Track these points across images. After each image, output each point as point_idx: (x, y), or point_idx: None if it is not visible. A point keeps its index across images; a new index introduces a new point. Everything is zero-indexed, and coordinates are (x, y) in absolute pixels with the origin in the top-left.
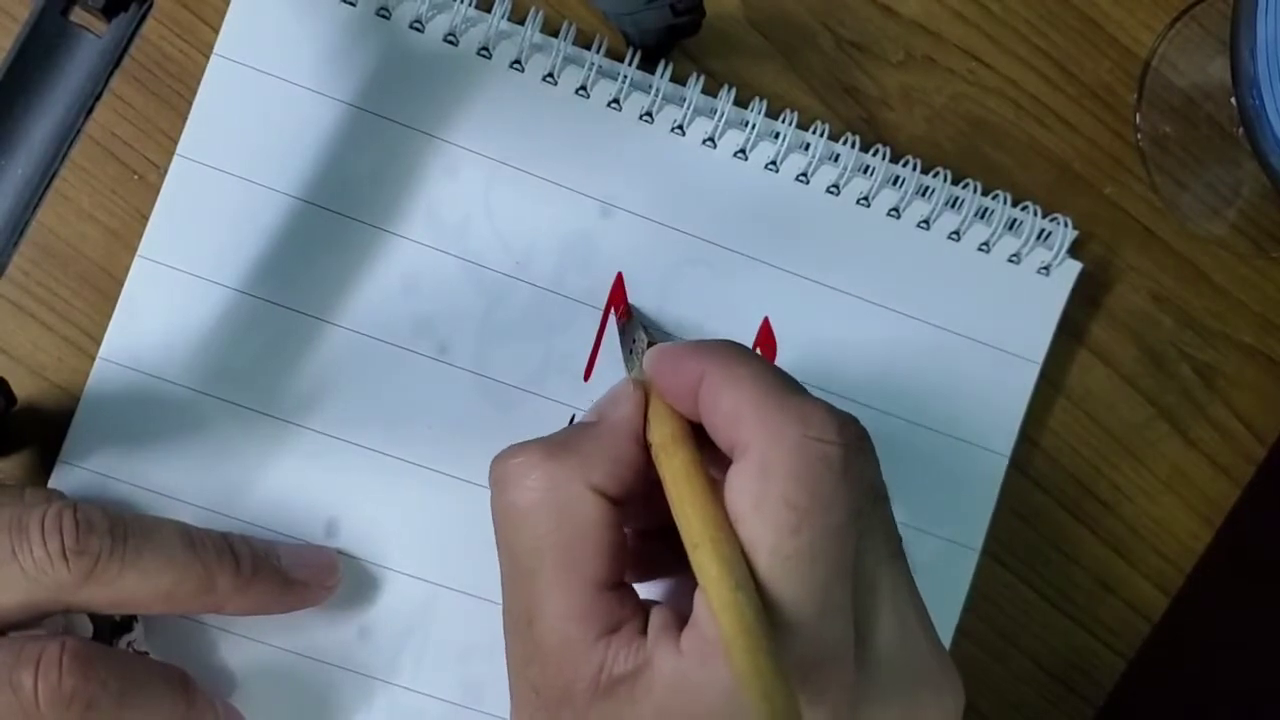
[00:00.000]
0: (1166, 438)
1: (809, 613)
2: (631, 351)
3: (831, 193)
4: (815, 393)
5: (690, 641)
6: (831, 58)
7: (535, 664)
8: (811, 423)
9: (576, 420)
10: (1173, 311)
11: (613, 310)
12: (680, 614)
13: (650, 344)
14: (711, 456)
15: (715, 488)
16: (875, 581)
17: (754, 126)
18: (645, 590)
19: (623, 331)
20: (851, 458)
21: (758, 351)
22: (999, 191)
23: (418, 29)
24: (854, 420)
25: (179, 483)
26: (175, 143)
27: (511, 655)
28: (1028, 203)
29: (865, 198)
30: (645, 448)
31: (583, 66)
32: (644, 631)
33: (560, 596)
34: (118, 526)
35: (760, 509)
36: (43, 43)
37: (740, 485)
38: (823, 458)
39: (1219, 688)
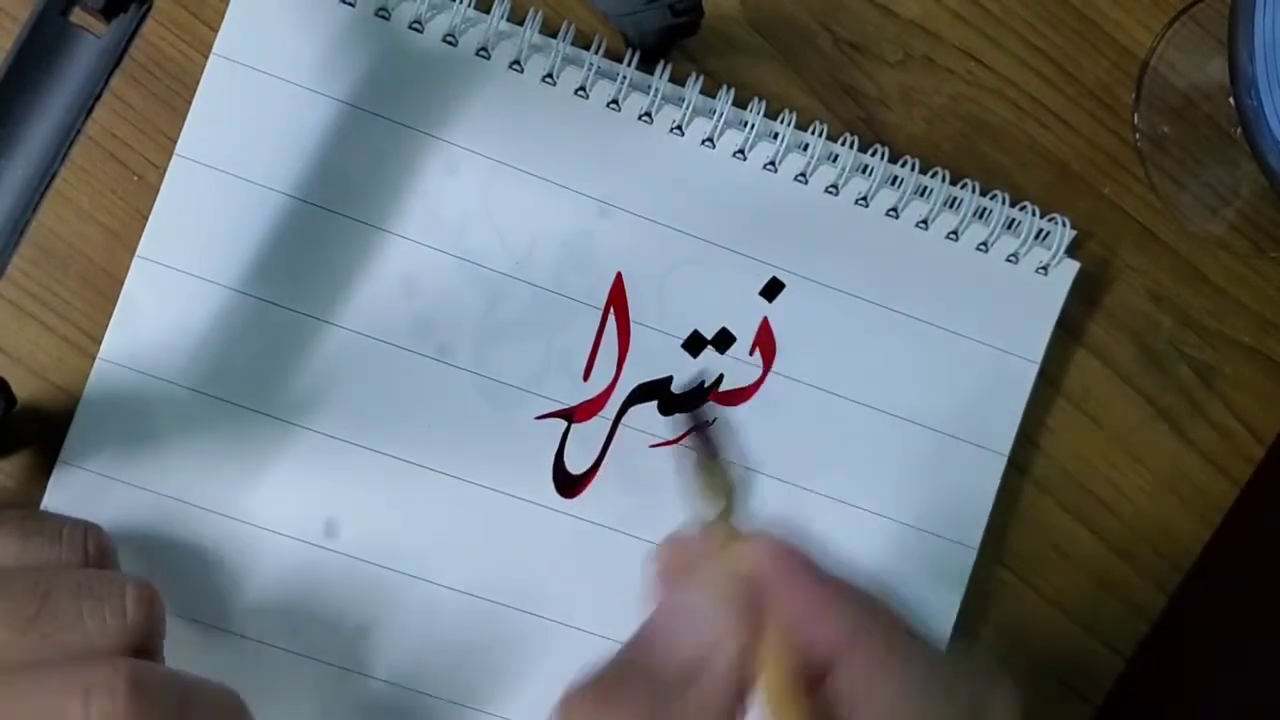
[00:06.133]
0: (1165, 437)
1: None
2: (702, 465)
3: (830, 193)
4: (814, 393)
5: None
6: (830, 58)
7: None
8: None
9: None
10: (1171, 311)
11: (694, 439)
12: None
13: (721, 477)
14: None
15: None
16: None
17: (753, 127)
18: None
19: (700, 440)
20: None
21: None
22: (997, 191)
23: (417, 29)
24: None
25: (179, 483)
26: (174, 143)
27: None
28: (1026, 203)
29: (864, 198)
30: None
31: (582, 67)
32: None
33: None
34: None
35: None
36: (43, 43)
37: None
38: None
39: (1219, 688)
